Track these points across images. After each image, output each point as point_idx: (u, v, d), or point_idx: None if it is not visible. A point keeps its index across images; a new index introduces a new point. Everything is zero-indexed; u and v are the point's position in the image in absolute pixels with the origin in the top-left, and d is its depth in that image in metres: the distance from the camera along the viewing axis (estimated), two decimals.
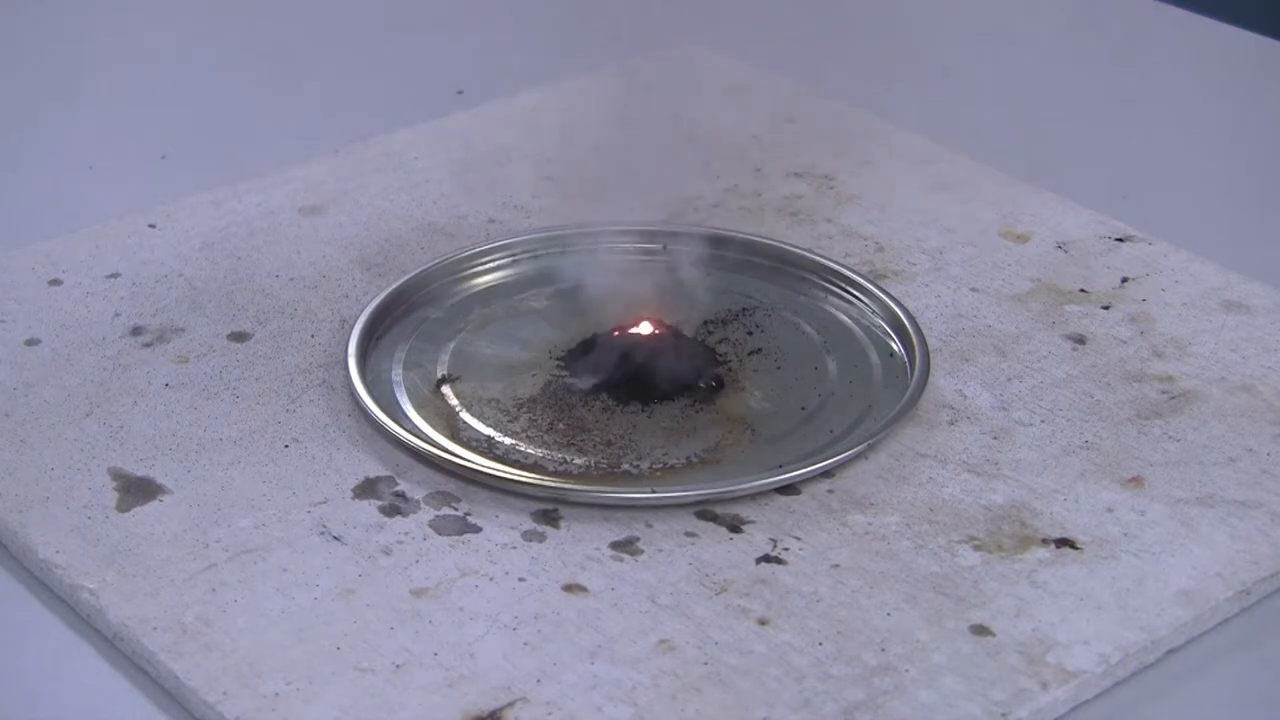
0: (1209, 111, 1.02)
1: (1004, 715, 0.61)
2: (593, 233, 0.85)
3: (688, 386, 0.76)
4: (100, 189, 0.94)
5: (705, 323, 0.80)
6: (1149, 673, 0.65)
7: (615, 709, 0.62)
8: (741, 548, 0.69)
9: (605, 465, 0.72)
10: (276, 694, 0.62)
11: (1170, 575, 0.67)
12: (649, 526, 0.69)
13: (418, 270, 0.83)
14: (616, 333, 0.78)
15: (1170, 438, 0.74)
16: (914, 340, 0.78)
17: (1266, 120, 1.01)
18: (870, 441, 0.73)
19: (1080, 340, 0.80)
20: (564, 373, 0.77)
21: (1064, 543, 0.69)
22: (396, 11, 1.14)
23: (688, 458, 0.73)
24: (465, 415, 0.75)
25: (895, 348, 0.79)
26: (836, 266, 0.83)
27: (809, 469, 0.71)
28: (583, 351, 0.78)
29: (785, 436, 0.74)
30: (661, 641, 0.64)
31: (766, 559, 0.68)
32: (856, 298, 0.82)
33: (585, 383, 0.76)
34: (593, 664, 0.63)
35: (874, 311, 0.81)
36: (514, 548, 0.68)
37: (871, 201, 0.90)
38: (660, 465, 0.73)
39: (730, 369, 0.77)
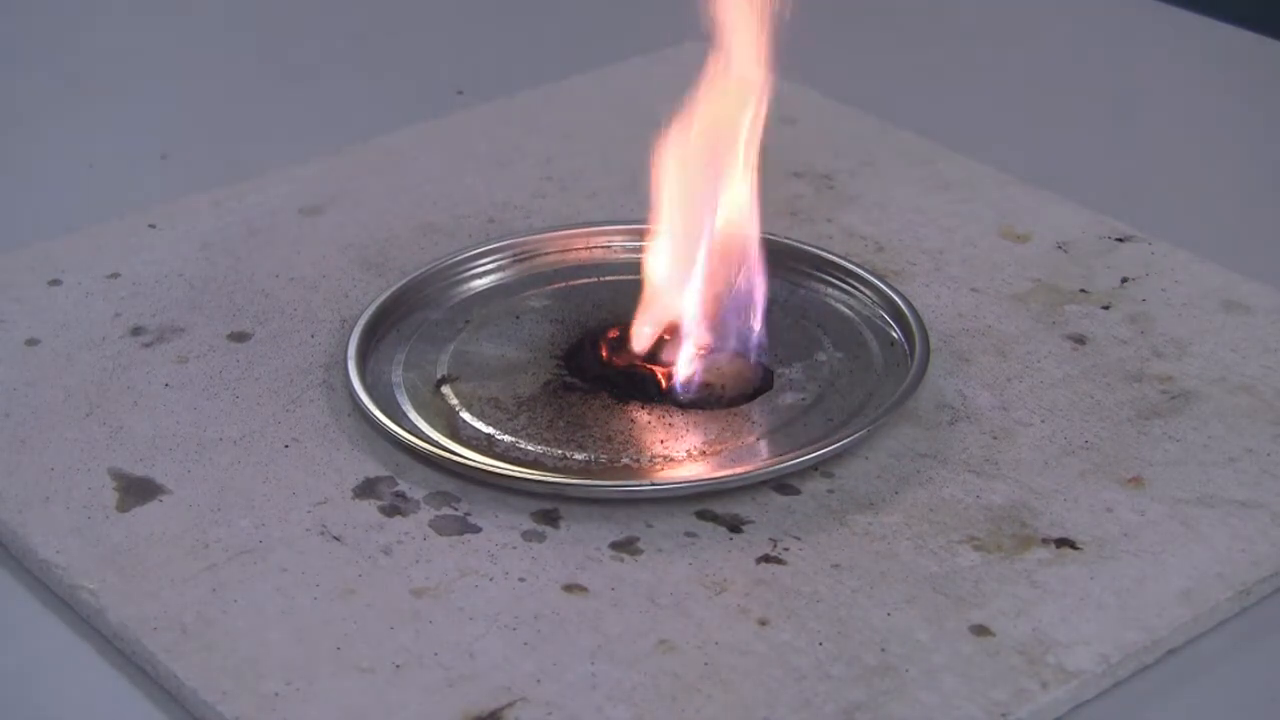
0: (1209, 111, 1.02)
1: (1004, 715, 0.61)
2: (591, 232, 0.85)
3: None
4: (100, 189, 0.94)
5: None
6: (1149, 673, 0.65)
7: (615, 709, 0.62)
8: (741, 548, 0.68)
9: (605, 460, 0.73)
10: (276, 694, 0.62)
11: (1170, 575, 0.67)
12: (649, 526, 0.69)
13: (418, 271, 0.83)
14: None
15: (1170, 438, 0.74)
16: (913, 327, 0.78)
17: (1266, 120, 1.01)
18: (871, 427, 0.73)
19: (1080, 340, 0.80)
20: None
21: (1064, 543, 0.69)
22: (396, 11, 1.13)
23: (687, 451, 0.73)
24: (465, 415, 0.75)
25: (895, 335, 0.79)
26: (835, 259, 0.83)
27: (808, 457, 0.71)
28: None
29: (785, 427, 0.74)
30: (661, 641, 0.64)
31: (766, 559, 0.68)
32: (855, 288, 0.82)
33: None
34: (593, 664, 0.63)
35: (874, 301, 0.81)
36: (514, 548, 0.68)
37: (871, 201, 0.90)
38: (660, 459, 0.73)
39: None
